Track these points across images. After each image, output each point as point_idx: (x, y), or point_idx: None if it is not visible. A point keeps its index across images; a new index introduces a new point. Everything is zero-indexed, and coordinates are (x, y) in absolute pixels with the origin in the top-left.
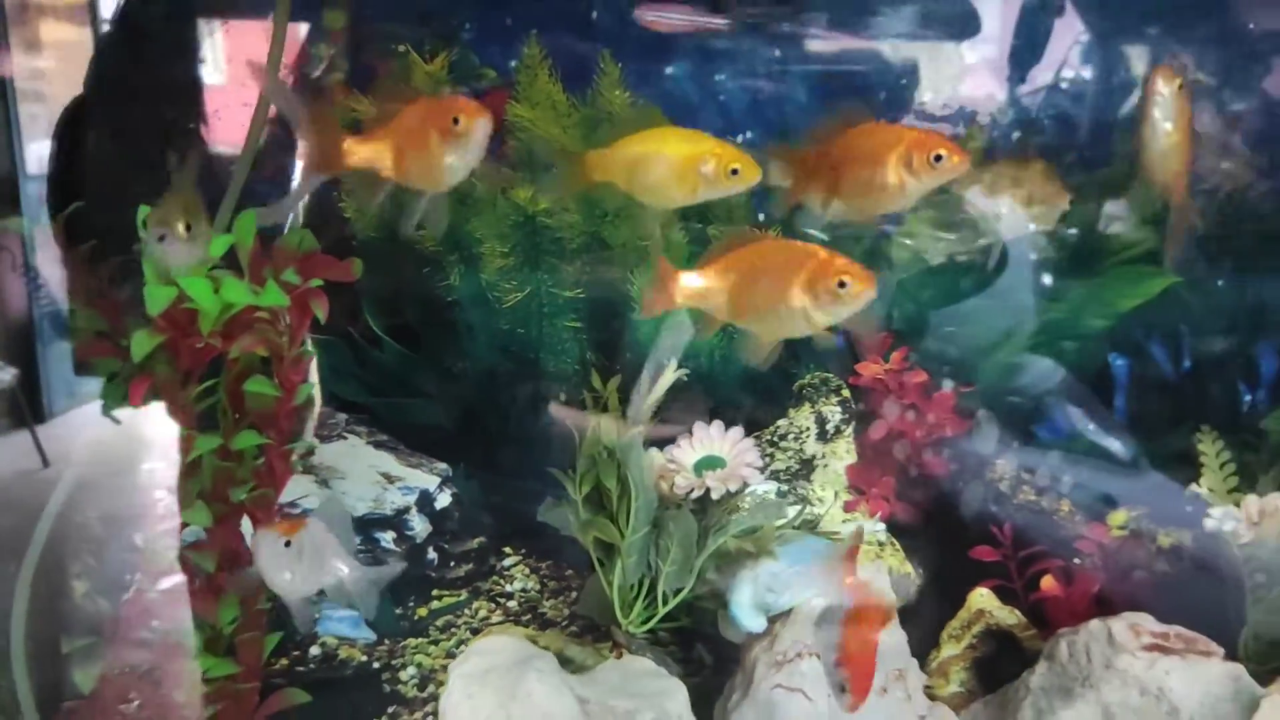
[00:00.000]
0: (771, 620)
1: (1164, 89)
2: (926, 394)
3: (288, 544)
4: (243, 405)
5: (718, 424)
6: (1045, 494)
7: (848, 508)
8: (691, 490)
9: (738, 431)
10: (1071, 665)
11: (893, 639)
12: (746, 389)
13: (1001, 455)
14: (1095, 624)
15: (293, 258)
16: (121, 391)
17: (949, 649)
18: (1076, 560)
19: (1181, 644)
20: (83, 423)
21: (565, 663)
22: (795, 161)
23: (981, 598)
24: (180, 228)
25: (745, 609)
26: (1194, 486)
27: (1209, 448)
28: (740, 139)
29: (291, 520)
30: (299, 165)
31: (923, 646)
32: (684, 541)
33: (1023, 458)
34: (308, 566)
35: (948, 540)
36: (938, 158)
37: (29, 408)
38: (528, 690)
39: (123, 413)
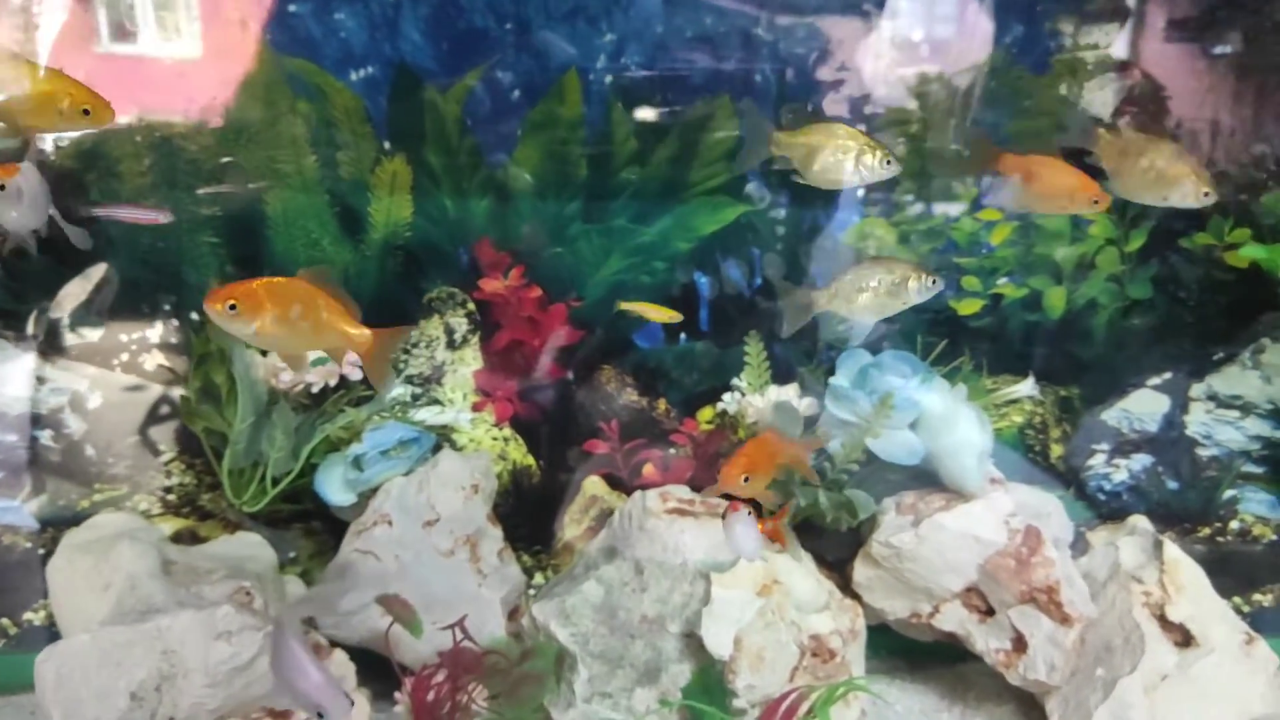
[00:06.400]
0: (366, 497)
1: None
2: (542, 307)
3: (2, 187)
4: None
5: None
6: (645, 395)
7: (476, 408)
8: (296, 385)
9: None
10: (619, 529)
11: (465, 511)
12: (380, 301)
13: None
14: (637, 495)
15: None
16: None
17: (571, 530)
18: (673, 450)
19: (703, 509)
20: None
21: None
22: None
23: (594, 484)
24: None
25: (331, 486)
26: (735, 380)
27: (753, 349)
28: None
29: (5, 166)
30: None
31: (549, 529)
32: (287, 430)
33: (625, 363)
34: (28, 206)
35: (567, 436)
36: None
37: None
38: (118, 553)
39: None
